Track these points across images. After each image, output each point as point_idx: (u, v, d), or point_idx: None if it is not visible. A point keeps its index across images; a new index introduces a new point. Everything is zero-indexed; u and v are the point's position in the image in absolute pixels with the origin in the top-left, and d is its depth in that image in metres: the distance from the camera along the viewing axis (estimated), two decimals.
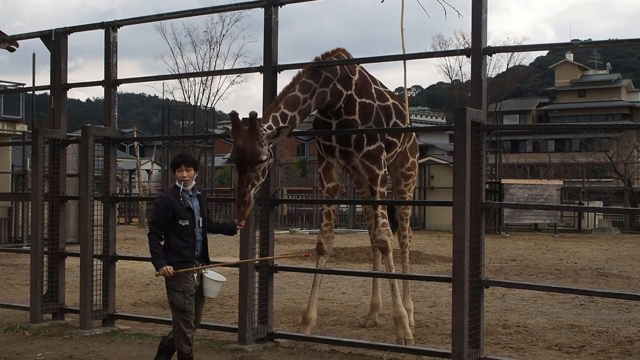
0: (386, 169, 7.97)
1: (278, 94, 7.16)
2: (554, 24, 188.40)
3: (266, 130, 6.60)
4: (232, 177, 45.98)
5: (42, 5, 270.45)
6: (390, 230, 7.92)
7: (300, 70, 7.27)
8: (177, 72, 36.22)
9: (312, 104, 7.24)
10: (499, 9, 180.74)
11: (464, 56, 7.68)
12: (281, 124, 6.80)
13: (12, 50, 9.98)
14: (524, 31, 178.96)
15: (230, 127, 6.63)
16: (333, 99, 7.44)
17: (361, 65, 7.93)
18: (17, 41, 10.03)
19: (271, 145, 6.65)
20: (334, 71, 7.45)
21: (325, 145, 7.85)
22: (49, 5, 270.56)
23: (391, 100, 8.18)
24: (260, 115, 6.79)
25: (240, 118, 6.54)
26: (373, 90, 7.89)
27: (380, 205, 7.84)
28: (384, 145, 7.83)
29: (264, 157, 6.49)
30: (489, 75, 46.70)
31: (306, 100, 7.15)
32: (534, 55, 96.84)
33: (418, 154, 9.35)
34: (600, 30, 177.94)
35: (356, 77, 7.69)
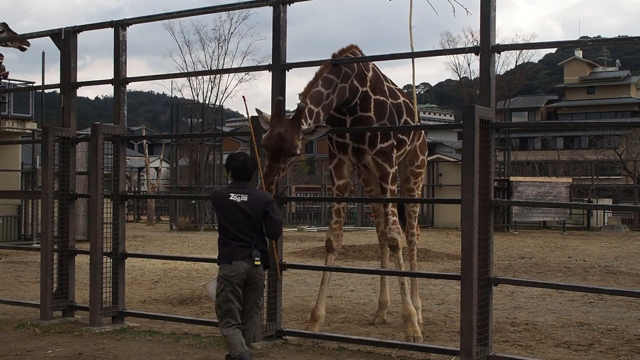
0: (397, 167, 7.99)
1: (303, 89, 7.14)
2: (561, 20, 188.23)
3: (303, 124, 6.65)
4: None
5: (50, 4, 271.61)
6: (400, 228, 7.93)
7: (321, 65, 7.26)
8: (185, 70, 36.22)
9: (334, 100, 7.25)
10: (506, 6, 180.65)
11: (473, 54, 7.67)
12: (309, 121, 6.82)
13: (23, 49, 10.03)
14: (531, 28, 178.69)
15: (272, 113, 6.68)
16: (350, 96, 7.46)
17: (373, 62, 7.94)
18: (27, 40, 10.09)
19: (303, 140, 6.70)
20: (351, 67, 7.48)
21: (338, 142, 7.85)
22: (57, 4, 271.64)
23: (402, 98, 8.20)
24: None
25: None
26: (386, 88, 7.91)
27: (390, 203, 7.85)
28: (395, 143, 7.84)
29: (298, 152, 6.57)
30: (498, 73, 46.58)
31: (329, 95, 7.16)
32: (543, 52, 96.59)
33: (427, 152, 9.36)
34: (608, 27, 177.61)
35: (370, 74, 7.71)
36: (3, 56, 22.64)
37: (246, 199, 5.96)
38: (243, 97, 6.63)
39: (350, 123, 7.67)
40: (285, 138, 6.49)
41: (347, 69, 7.41)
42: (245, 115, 6.66)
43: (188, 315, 9.31)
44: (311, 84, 7.08)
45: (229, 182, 6.23)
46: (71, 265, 8.89)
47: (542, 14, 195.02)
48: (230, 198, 5.98)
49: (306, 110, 6.83)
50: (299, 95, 7.18)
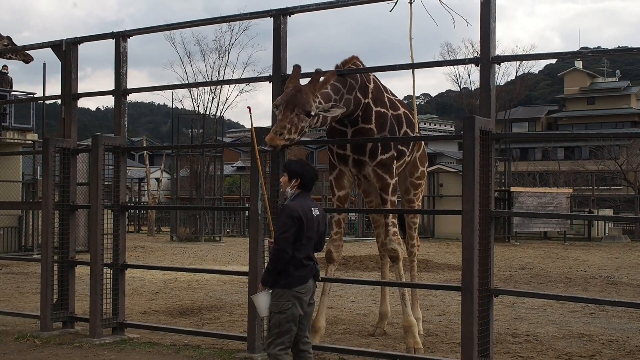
0: (397, 178, 7.98)
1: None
2: (560, 31, 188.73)
3: (318, 105, 6.70)
4: (241, 185, 46.03)
5: (50, 16, 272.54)
6: (400, 239, 7.93)
7: (328, 74, 7.22)
8: (186, 81, 36.25)
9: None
10: (506, 17, 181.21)
11: (473, 65, 7.72)
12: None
13: (27, 62, 10.09)
14: (530, 39, 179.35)
15: (290, 77, 6.80)
16: (354, 107, 7.46)
17: (374, 73, 7.94)
18: (28, 51, 10.12)
19: (316, 122, 6.73)
20: (355, 79, 7.48)
21: (338, 153, 7.84)
22: (57, 16, 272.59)
23: (402, 109, 8.20)
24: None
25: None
26: (386, 99, 7.91)
27: (391, 214, 7.84)
28: (396, 154, 7.84)
29: (312, 112, 6.55)
30: (498, 83, 46.61)
31: (336, 102, 7.14)
32: (543, 63, 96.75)
33: (427, 163, 9.35)
34: (607, 38, 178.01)
35: (372, 85, 7.71)
36: (8, 67, 22.80)
37: (318, 212, 5.57)
38: (248, 107, 6.63)
39: (352, 134, 7.67)
40: (301, 91, 6.52)
41: (351, 80, 7.42)
42: (248, 127, 6.62)
43: (188, 326, 9.29)
44: (320, 86, 7.05)
45: (290, 191, 5.62)
46: (71, 277, 8.88)
47: (541, 25, 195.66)
48: (313, 213, 5.50)
49: (317, 101, 6.80)
50: None
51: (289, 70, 7.67)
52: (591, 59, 79.19)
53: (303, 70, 7.10)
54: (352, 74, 7.46)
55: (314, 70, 7.05)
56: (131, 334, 8.47)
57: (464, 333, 6.16)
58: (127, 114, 8.89)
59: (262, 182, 6.81)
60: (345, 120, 7.58)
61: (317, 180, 5.83)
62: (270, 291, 5.47)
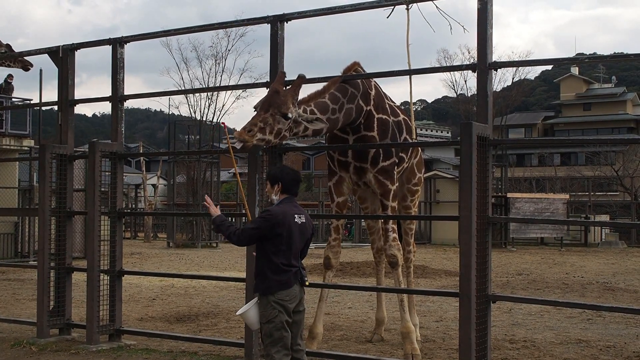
0: (397, 184, 7.97)
1: (307, 95, 7.01)
2: (554, 38, 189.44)
3: (301, 113, 6.68)
4: (238, 191, 46.01)
5: (45, 23, 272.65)
6: (400, 245, 7.91)
7: (329, 82, 7.19)
8: (182, 87, 36.23)
9: (340, 119, 7.19)
10: (501, 24, 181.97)
11: (470, 71, 7.70)
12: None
13: (26, 69, 10.08)
14: (525, 45, 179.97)
15: (273, 82, 6.81)
16: (357, 115, 7.43)
17: (374, 80, 7.92)
18: (25, 57, 10.12)
19: (302, 131, 6.70)
20: (357, 87, 7.44)
21: (340, 160, 7.80)
22: (52, 22, 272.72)
23: (401, 116, 8.19)
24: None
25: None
26: (387, 106, 7.89)
27: (391, 220, 7.82)
28: (397, 161, 7.83)
29: (289, 114, 6.50)
30: (495, 89, 46.65)
31: (335, 111, 7.09)
32: (539, 69, 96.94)
33: (424, 169, 9.35)
34: (602, 45, 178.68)
35: (373, 92, 7.68)
36: (12, 77, 22.85)
37: (304, 219, 5.50)
38: (223, 123, 6.62)
39: (353, 142, 7.62)
40: (279, 93, 6.50)
41: (352, 88, 7.37)
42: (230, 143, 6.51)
43: (185, 333, 9.27)
44: (317, 94, 6.99)
45: (275, 197, 5.59)
46: (68, 283, 8.86)
47: (535, 32, 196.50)
48: (295, 220, 5.43)
49: (309, 110, 6.80)
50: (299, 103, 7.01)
51: (286, 77, 7.67)
52: (587, 65, 79.45)
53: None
54: (355, 81, 7.44)
55: (311, 76, 7.02)
56: (128, 340, 8.45)
57: (461, 339, 6.15)
58: (124, 120, 8.88)
59: (243, 194, 6.91)
60: (347, 128, 7.56)
61: (300, 181, 5.78)
62: (257, 300, 5.46)
